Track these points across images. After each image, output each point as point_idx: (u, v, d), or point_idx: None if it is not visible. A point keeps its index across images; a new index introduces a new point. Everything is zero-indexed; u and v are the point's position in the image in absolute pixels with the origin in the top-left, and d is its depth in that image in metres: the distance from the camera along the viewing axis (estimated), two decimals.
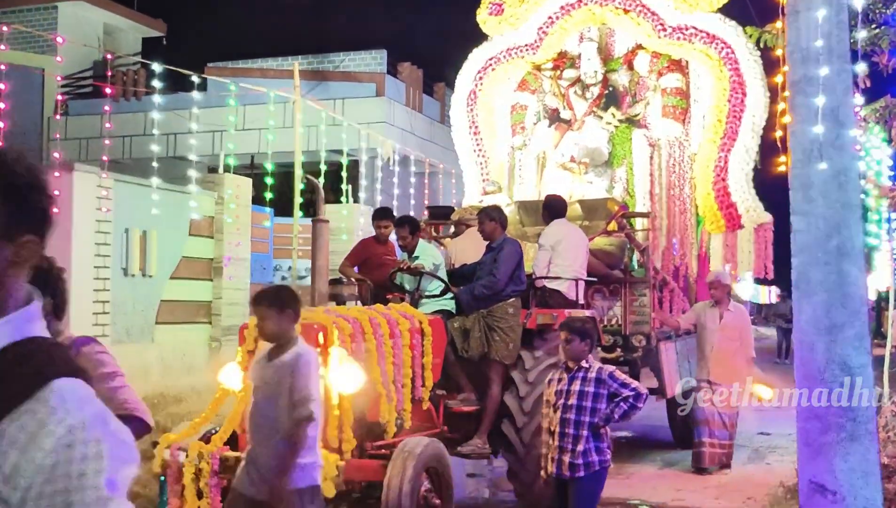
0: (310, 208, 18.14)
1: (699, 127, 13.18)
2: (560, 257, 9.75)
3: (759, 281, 54.45)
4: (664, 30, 13.14)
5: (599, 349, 10.35)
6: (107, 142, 14.55)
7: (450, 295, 9.27)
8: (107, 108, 15.19)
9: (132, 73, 21.36)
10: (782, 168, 7.60)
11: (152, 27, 25.33)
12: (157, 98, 15.54)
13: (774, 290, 48.37)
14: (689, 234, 13.17)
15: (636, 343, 10.77)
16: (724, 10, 13.30)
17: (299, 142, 15.43)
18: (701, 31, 12.90)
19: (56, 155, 11.76)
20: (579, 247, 9.95)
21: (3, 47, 12.62)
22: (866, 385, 7.10)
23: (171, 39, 26.19)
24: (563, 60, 14.25)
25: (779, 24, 7.96)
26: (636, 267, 11.71)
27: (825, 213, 7.11)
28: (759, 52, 13.02)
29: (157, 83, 15.15)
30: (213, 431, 7.05)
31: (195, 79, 15.71)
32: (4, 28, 12.18)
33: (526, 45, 14.06)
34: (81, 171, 11.65)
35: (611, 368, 6.81)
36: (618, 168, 13.18)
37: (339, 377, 6.90)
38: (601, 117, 13.42)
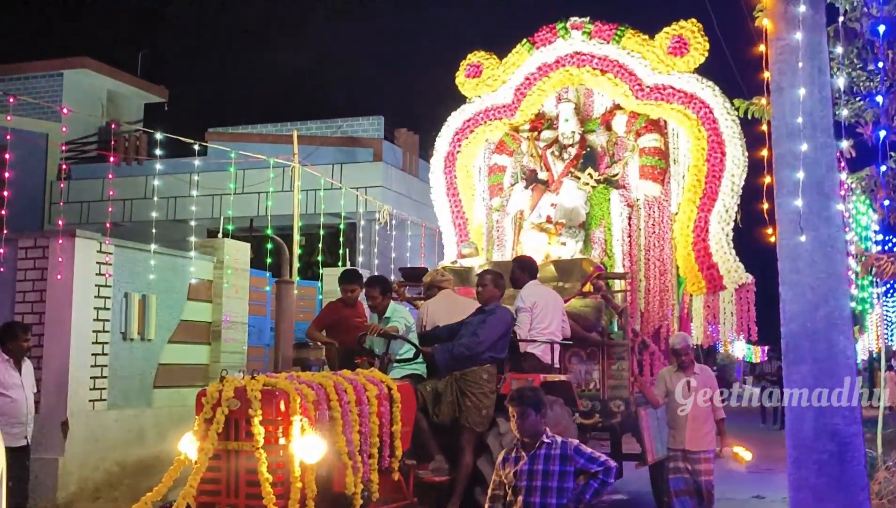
0: (306, 271, 18.30)
1: (678, 187, 12.86)
2: (536, 319, 9.51)
3: (750, 340, 54.91)
4: (641, 90, 12.87)
5: (577, 414, 10.18)
6: (109, 209, 14.91)
7: (421, 359, 8.93)
8: (110, 176, 15.15)
9: (134, 138, 21.46)
10: (772, 239, 7.86)
11: (154, 93, 25.53)
12: (157, 164, 15.67)
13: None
14: (670, 295, 12.71)
15: (615, 408, 10.34)
16: (702, 71, 13.20)
17: (298, 207, 15.56)
18: (678, 92, 12.65)
19: (60, 223, 11.57)
20: (555, 309, 9.70)
21: (9, 118, 12.85)
22: (857, 455, 7.31)
23: (172, 105, 26.50)
24: (541, 122, 13.94)
25: (764, 100, 8.22)
26: (615, 330, 11.33)
27: (812, 283, 7.39)
28: (736, 112, 12.89)
29: (158, 149, 15.25)
30: (169, 504, 6.70)
31: (196, 145, 15.83)
32: (11, 100, 12.32)
33: (504, 107, 13.80)
34: (83, 237, 11.64)
35: (575, 442, 6.21)
36: (595, 229, 12.74)
37: (302, 446, 6.59)
38: (578, 178, 13.06)
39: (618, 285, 11.70)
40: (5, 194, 11.25)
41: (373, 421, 7.58)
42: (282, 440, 6.73)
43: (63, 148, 17.29)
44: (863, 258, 10.92)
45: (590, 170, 13.14)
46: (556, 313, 9.73)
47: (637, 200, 13.00)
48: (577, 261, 11.05)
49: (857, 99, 9.98)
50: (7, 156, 11.90)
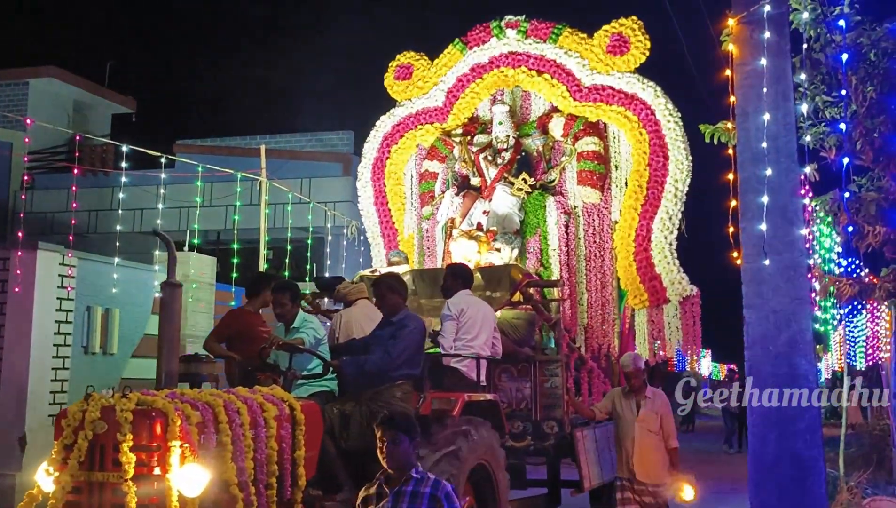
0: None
1: (619, 194, 11.89)
2: (462, 329, 8.53)
3: (717, 358, 54.18)
4: (580, 91, 11.93)
5: (508, 437, 9.43)
6: (73, 221, 14.41)
7: (332, 376, 7.89)
8: (74, 187, 14.93)
9: (101, 149, 20.94)
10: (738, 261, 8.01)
11: (122, 104, 25.22)
12: (123, 177, 15.43)
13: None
14: (611, 309, 11.74)
15: (548, 430, 9.36)
16: (643, 71, 12.38)
17: (265, 221, 15.12)
18: (618, 92, 11.74)
19: (19, 235, 11.60)
20: (484, 321, 8.73)
21: None
22: (818, 479, 7.45)
23: (140, 115, 26.26)
24: (475, 126, 12.93)
25: (729, 124, 8.43)
26: (551, 345, 10.27)
27: (776, 307, 7.57)
28: (679, 115, 11.53)
29: (125, 161, 15.06)
30: None
31: (163, 158, 15.46)
32: None
33: (435, 110, 12.81)
34: (45, 250, 11.50)
35: (448, 486, 5.25)
36: (531, 238, 11.74)
37: (182, 477, 5.55)
38: (512, 183, 12.06)
39: (556, 296, 10.76)
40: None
41: (270, 446, 6.52)
42: (157, 471, 5.66)
43: (26, 159, 16.96)
44: (825, 281, 10.71)
45: (524, 175, 12.14)
46: (485, 325, 8.76)
47: (575, 207, 12.02)
48: (504, 268, 9.94)
49: (822, 124, 9.89)
50: None
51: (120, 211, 16.60)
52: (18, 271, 11.12)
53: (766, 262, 7.61)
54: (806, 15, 9.22)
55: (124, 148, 14.54)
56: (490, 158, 12.31)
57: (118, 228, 14.86)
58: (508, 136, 12.31)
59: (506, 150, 12.30)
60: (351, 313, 8.79)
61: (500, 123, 12.34)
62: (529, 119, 12.81)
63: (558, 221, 11.70)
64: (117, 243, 13.23)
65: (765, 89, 8.01)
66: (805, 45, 9.20)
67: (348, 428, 7.54)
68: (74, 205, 15.40)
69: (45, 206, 20.05)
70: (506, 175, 12.16)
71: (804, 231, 8.37)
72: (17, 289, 11.15)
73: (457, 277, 8.97)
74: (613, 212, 11.93)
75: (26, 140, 15.69)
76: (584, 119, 12.04)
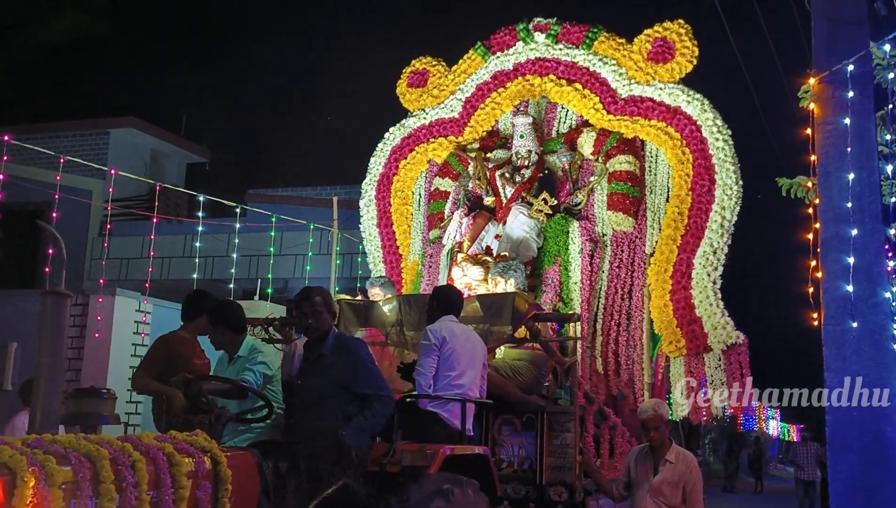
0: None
1: (655, 222, 9.99)
2: (444, 364, 6.59)
3: (786, 418, 50.64)
4: (615, 103, 10.03)
5: (505, 503, 7.74)
6: (150, 269, 14.66)
7: (275, 420, 6.11)
8: (152, 236, 15.04)
9: (176, 197, 20.65)
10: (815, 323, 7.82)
11: (197, 153, 25.17)
12: (200, 226, 15.43)
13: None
14: (641, 355, 9.78)
15: (555, 497, 7.44)
16: (689, 83, 9.98)
17: (335, 271, 14.51)
18: (658, 105, 9.83)
19: (101, 282, 11.85)
20: (472, 355, 6.81)
21: (57, 178, 12.51)
22: None
23: (214, 165, 26.17)
24: (494, 140, 11.03)
25: (809, 182, 8.29)
26: (564, 394, 8.32)
27: (859, 370, 7.42)
28: (730, 132, 9.53)
29: (200, 210, 15.25)
30: None
31: (237, 208, 15.39)
32: (61, 160, 12.26)
33: (450, 122, 10.95)
34: (123, 296, 11.71)
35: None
36: (549, 268, 9.75)
37: None
38: (530, 205, 10.11)
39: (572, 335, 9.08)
40: (50, 251, 10.62)
41: None
42: None
43: (108, 208, 16.82)
44: None
45: (545, 195, 10.11)
46: (473, 359, 6.78)
47: (603, 235, 10.01)
48: (507, 296, 7.76)
49: None
50: (54, 215, 12.19)
51: (197, 259, 16.27)
52: (99, 317, 11.23)
53: (855, 324, 7.37)
54: (892, 75, 8.69)
55: (201, 198, 14.81)
56: (508, 175, 10.25)
57: (194, 275, 14.74)
58: (531, 151, 10.31)
59: (526, 167, 10.26)
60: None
61: (522, 137, 10.34)
62: (555, 134, 10.84)
63: (582, 249, 9.66)
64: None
65: (849, 149, 7.78)
66: (890, 105, 8.77)
67: (283, 491, 5.92)
68: (152, 253, 15.44)
69: (121, 252, 19.76)
70: (524, 194, 10.10)
71: (889, 294, 7.94)
72: (97, 335, 11.24)
73: (439, 299, 7.07)
74: (648, 243, 9.90)
75: (110, 190, 15.31)
76: (618, 135, 10.03)
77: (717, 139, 9.60)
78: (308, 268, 16.21)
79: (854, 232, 7.55)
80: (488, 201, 10.35)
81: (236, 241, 16.03)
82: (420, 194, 11.28)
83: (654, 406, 7.21)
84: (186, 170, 25.38)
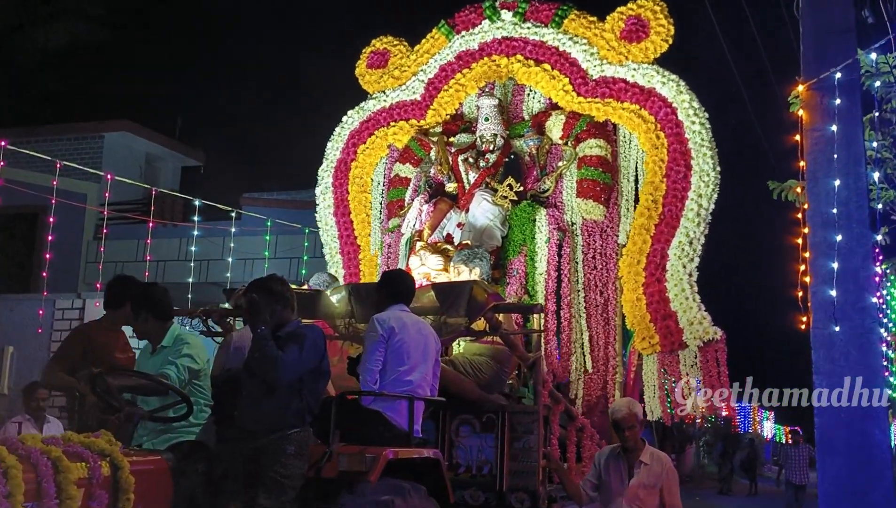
0: None
1: (628, 210, 9.34)
2: (392, 357, 5.86)
3: (781, 419, 49.75)
4: (585, 84, 9.30)
5: None
6: (146, 273, 14.57)
7: (202, 419, 5.62)
8: (148, 240, 15.01)
9: (171, 201, 20.61)
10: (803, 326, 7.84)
11: (192, 156, 24.95)
12: (195, 230, 15.73)
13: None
14: (612, 352, 9.05)
15: (516, 504, 6.83)
16: (663, 62, 9.31)
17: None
18: (632, 86, 9.12)
19: (98, 286, 11.83)
20: (426, 348, 6.11)
21: (54, 182, 12.50)
22: None
23: (209, 168, 25.88)
24: (457, 124, 10.27)
25: (798, 187, 8.24)
26: (528, 392, 7.63)
27: (847, 373, 7.44)
28: (707, 115, 8.85)
29: (195, 214, 15.32)
30: None
31: (232, 212, 15.46)
32: (58, 165, 12.40)
33: (412, 104, 10.17)
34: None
35: None
36: (514, 258, 8.99)
37: None
38: (495, 191, 9.37)
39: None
40: (47, 256, 12.26)
41: None
42: None
43: (104, 212, 16.12)
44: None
45: (510, 181, 9.37)
46: (425, 353, 6.07)
47: (572, 223, 9.27)
48: (465, 285, 6.90)
49: (894, 189, 9.50)
50: (51, 220, 12.64)
51: (192, 263, 16.30)
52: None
53: (837, 328, 7.42)
54: (878, 83, 8.83)
55: (196, 202, 14.90)
56: (472, 160, 9.47)
57: (189, 279, 14.78)
58: (496, 135, 9.54)
59: (491, 151, 9.50)
60: (245, 335, 5.91)
61: (487, 120, 9.57)
62: (523, 117, 10.06)
63: (550, 239, 8.90)
64: (189, 295, 13.39)
65: (835, 155, 7.80)
66: (877, 113, 8.95)
67: (214, 499, 5.20)
68: (148, 257, 15.27)
69: (116, 256, 19.20)
70: (488, 180, 9.34)
71: (876, 299, 8.03)
72: None
73: (387, 286, 6.32)
74: (620, 233, 9.22)
75: (106, 194, 15.00)
76: (588, 118, 9.30)
77: (693, 123, 8.95)
78: (303, 272, 15.75)
79: (840, 237, 7.62)
80: (450, 187, 9.61)
81: (231, 245, 15.98)
82: (380, 182, 10.54)
83: (629, 405, 6.54)
84: (181, 173, 25.22)
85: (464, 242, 8.64)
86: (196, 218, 15.34)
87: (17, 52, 23.89)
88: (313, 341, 5.20)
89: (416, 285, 6.82)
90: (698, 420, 26.85)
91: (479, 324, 6.72)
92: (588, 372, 8.85)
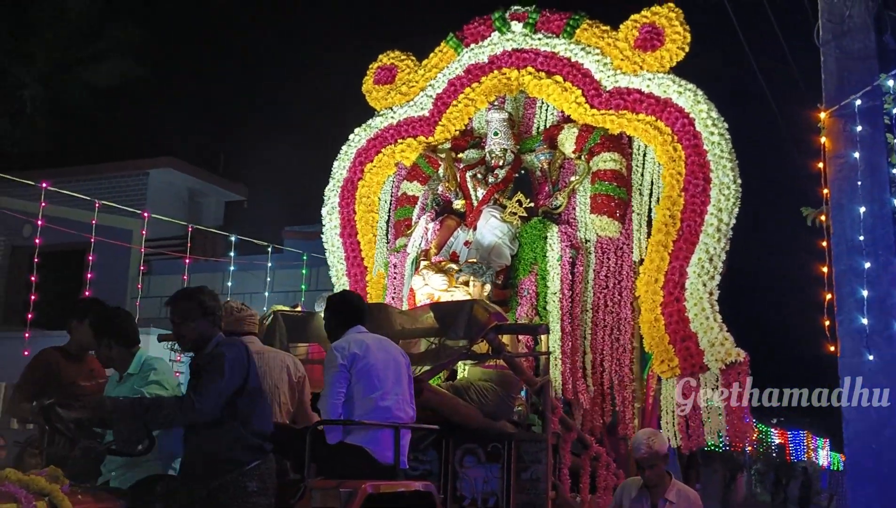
0: None
1: (644, 226, 8.89)
2: (360, 385, 5.23)
3: (836, 447, 47.70)
4: (598, 96, 8.86)
5: None
6: None
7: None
8: (185, 276, 15.05)
9: (212, 236, 20.57)
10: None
11: (235, 191, 25.19)
12: (232, 265, 15.91)
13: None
14: (629, 376, 8.55)
15: None
16: (680, 72, 8.88)
17: None
18: (647, 97, 8.68)
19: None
20: (395, 368, 5.46)
21: (93, 221, 12.66)
22: None
23: (252, 202, 25.95)
24: (466, 140, 9.84)
25: (823, 216, 7.92)
26: (538, 420, 6.95)
27: (876, 402, 7.27)
28: (726, 125, 8.38)
29: (235, 249, 15.73)
30: None
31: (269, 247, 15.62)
32: (97, 204, 12.52)
33: (420, 121, 9.75)
34: (154, 334, 10.80)
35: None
36: (525, 277, 8.49)
37: None
38: (504, 207, 8.90)
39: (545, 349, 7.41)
40: (86, 293, 12.08)
41: None
42: None
43: (142, 250, 16.44)
44: None
45: (519, 196, 8.87)
46: (397, 373, 5.45)
47: (586, 240, 8.78)
48: (464, 304, 6.46)
49: None
50: (90, 258, 12.87)
51: (228, 297, 15.88)
52: None
53: (871, 357, 7.23)
54: None
55: (232, 238, 15.12)
56: (480, 176, 9.02)
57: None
58: (506, 150, 9.08)
59: (501, 166, 9.04)
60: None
61: (496, 134, 9.11)
62: (534, 131, 9.64)
63: (562, 256, 8.39)
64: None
65: (859, 182, 7.64)
66: None
67: None
68: None
69: (160, 290, 19.01)
70: (497, 196, 8.86)
71: None
72: None
73: (337, 312, 5.64)
74: (636, 249, 8.79)
75: (143, 232, 15.31)
76: (602, 131, 8.84)
77: (711, 133, 8.46)
78: None
79: (867, 265, 7.47)
80: (458, 204, 9.16)
81: (267, 279, 16.13)
82: (387, 201, 10.11)
83: (648, 442, 5.95)
84: (225, 208, 25.41)
85: (470, 260, 8.14)
86: (232, 253, 15.43)
87: (65, 92, 24.23)
88: (232, 360, 4.61)
89: (416, 306, 6.33)
90: (748, 448, 26.19)
91: (482, 346, 6.20)
92: (591, 395, 8.29)
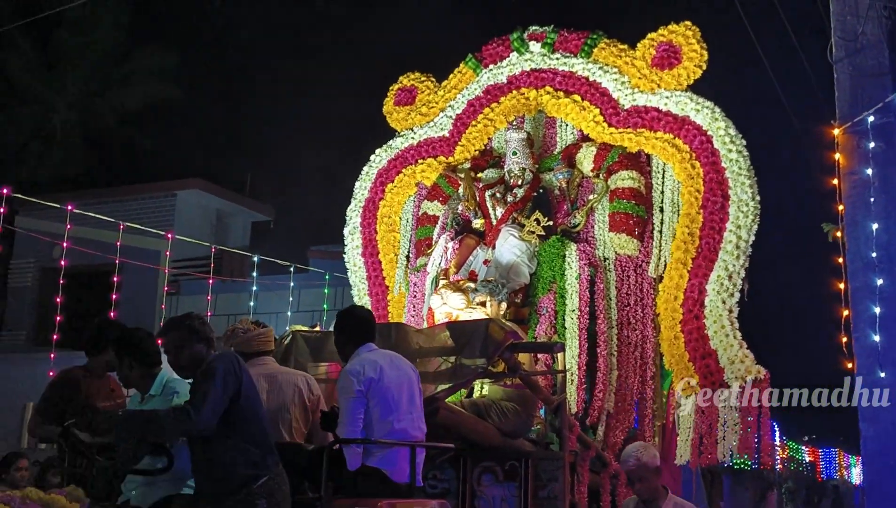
0: None
1: (663, 244, 8.85)
2: (377, 409, 5.20)
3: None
4: (617, 114, 8.89)
5: None
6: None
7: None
8: (209, 297, 15.42)
9: (239, 256, 21.02)
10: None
11: (261, 212, 25.50)
12: (255, 285, 16.04)
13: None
14: (649, 394, 8.55)
15: None
16: (697, 90, 8.89)
17: None
18: (665, 115, 8.68)
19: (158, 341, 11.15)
20: (408, 385, 5.46)
21: (118, 243, 12.93)
22: None
23: (279, 222, 26.32)
24: (486, 159, 9.89)
25: (839, 232, 7.94)
26: (556, 438, 6.96)
27: (892, 419, 7.24)
28: (744, 142, 8.36)
29: (260, 269, 15.89)
30: None
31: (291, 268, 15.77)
32: (121, 226, 12.85)
33: (440, 141, 9.87)
34: None
35: None
36: (543, 296, 8.47)
37: None
38: (522, 226, 8.86)
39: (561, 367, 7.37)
40: (111, 314, 12.40)
41: None
42: None
43: (166, 271, 16.96)
44: None
45: (537, 215, 8.85)
46: (411, 391, 5.44)
47: (605, 259, 8.75)
48: (479, 323, 6.47)
49: None
50: (115, 279, 13.30)
51: (251, 316, 16.17)
52: None
53: (883, 374, 7.22)
54: None
55: (255, 258, 15.43)
56: (499, 195, 9.06)
57: None
58: (524, 169, 9.09)
59: (519, 186, 9.07)
60: (253, 369, 5.38)
61: (515, 154, 9.12)
62: (553, 150, 9.65)
63: (580, 275, 8.38)
64: None
65: (873, 199, 7.67)
66: None
67: None
68: (209, 314, 15.24)
69: (187, 308, 19.37)
70: (515, 215, 8.88)
71: None
72: None
73: (345, 330, 5.58)
74: (653, 266, 8.80)
75: (167, 253, 15.68)
76: (620, 149, 8.84)
77: (729, 151, 8.44)
78: None
79: (880, 281, 7.46)
80: (477, 223, 9.20)
81: (290, 299, 16.27)
82: (408, 220, 10.17)
83: (636, 454, 5.92)
84: (251, 228, 25.68)
85: (487, 278, 8.18)
86: (255, 274, 15.59)
87: (96, 116, 24.81)
88: (224, 369, 4.61)
89: (432, 324, 6.37)
90: (779, 466, 25.96)
91: (499, 365, 6.21)
92: (611, 414, 8.28)
